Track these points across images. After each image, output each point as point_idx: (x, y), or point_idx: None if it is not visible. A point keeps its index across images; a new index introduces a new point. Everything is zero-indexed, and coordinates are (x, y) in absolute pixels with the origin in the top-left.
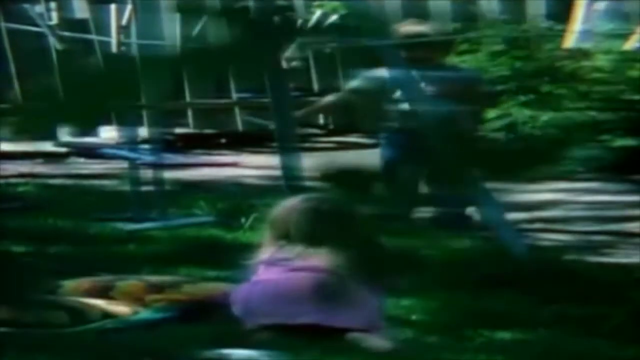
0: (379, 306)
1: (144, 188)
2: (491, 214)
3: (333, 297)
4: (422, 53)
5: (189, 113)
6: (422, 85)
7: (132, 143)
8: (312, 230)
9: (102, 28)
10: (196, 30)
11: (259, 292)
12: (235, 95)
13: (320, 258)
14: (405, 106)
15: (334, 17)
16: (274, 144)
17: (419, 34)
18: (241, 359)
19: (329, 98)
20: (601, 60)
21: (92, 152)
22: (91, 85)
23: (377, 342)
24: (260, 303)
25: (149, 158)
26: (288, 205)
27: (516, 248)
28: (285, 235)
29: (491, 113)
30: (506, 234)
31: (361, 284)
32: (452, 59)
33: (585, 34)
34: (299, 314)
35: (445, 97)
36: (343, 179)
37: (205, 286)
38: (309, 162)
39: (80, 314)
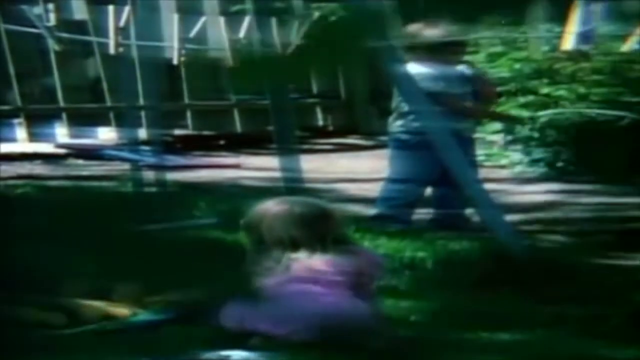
0: (372, 311)
1: (145, 189)
2: (490, 215)
3: (333, 317)
4: (442, 53)
5: (188, 114)
6: (440, 84)
7: (131, 144)
8: (287, 234)
9: (101, 29)
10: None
11: (254, 311)
12: (234, 97)
13: (302, 265)
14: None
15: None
16: (273, 146)
17: (436, 35)
18: None
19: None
20: (600, 62)
21: (91, 154)
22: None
23: (377, 343)
24: (258, 321)
25: (148, 159)
26: (262, 209)
27: (515, 248)
28: (260, 240)
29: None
30: (505, 235)
31: (350, 292)
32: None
33: (584, 35)
34: (301, 333)
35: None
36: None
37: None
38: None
39: (79, 316)
